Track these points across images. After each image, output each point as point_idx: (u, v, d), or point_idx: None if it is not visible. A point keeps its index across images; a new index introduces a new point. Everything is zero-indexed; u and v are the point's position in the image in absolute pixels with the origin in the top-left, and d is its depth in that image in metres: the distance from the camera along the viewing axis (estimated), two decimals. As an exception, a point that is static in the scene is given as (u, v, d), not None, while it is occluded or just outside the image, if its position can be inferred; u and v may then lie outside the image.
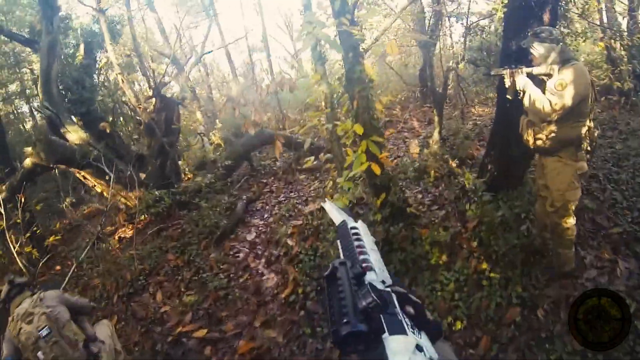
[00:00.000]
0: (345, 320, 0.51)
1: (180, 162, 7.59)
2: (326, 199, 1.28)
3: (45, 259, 5.23)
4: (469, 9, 4.87)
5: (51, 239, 5.74)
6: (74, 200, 8.08)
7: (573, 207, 2.62)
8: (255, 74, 15.73)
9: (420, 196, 4.29)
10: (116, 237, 6.65)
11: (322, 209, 4.75)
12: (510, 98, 2.67)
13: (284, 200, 5.67)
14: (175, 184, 6.90)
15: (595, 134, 2.53)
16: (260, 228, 4.90)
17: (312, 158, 4.57)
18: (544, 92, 2.43)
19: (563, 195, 2.55)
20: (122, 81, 7.31)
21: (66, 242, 6.60)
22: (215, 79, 18.27)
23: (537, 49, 2.46)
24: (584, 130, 2.44)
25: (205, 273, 4.27)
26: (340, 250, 0.77)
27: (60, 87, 7.58)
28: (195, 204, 5.53)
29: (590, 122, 2.46)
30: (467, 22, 4.99)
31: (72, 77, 7.57)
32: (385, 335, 0.52)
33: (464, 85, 6.21)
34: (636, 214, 3.47)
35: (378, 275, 0.67)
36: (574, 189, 2.55)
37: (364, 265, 0.68)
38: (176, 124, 7.01)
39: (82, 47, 8.00)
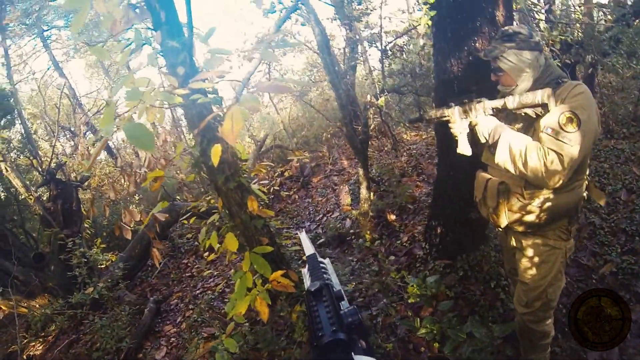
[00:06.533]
0: (333, 329, 0.57)
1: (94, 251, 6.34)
2: (302, 231, 1.45)
3: None
4: (381, 27, 3.97)
5: None
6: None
7: (554, 305, 1.78)
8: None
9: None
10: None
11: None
12: (465, 153, 1.71)
13: (200, 293, 4.64)
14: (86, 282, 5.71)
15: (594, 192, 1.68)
16: (171, 339, 3.83)
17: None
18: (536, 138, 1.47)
19: (544, 291, 1.69)
20: (6, 169, 6.05)
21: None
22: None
23: (511, 61, 1.51)
24: (583, 190, 1.60)
25: None
26: (308, 279, 0.79)
27: None
28: (92, 319, 4.34)
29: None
30: (382, 44, 4.04)
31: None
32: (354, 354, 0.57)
33: (387, 119, 5.28)
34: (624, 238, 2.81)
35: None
36: (559, 281, 1.71)
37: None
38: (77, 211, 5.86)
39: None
